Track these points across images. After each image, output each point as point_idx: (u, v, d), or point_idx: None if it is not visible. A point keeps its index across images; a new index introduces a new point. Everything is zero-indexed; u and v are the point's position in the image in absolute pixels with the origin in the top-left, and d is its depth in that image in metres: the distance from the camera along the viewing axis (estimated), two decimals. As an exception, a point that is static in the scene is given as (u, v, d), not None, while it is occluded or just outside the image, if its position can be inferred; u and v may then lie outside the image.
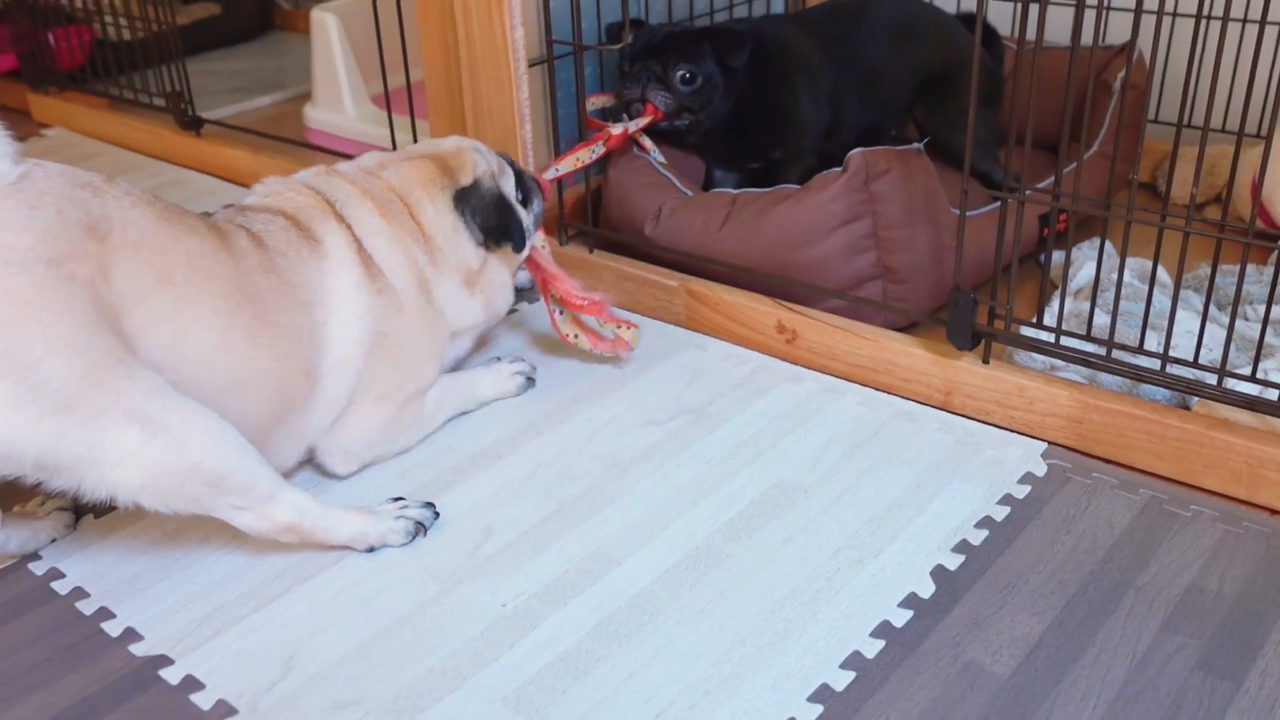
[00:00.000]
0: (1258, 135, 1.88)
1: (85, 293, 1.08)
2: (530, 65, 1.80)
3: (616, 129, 1.80)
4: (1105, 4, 1.31)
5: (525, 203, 1.56)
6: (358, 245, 1.36)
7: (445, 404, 1.50)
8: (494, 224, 1.47)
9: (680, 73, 1.83)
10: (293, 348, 1.28)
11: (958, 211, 1.70)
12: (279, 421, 1.29)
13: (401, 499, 1.33)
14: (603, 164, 1.86)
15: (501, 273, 1.53)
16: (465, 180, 1.47)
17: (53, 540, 1.32)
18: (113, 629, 1.19)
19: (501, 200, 1.49)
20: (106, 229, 1.12)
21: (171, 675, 1.12)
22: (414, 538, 1.29)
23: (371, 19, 2.42)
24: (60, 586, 1.25)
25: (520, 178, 1.57)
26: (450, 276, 1.45)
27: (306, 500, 1.24)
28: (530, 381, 1.59)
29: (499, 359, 1.61)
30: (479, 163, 1.50)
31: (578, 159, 1.77)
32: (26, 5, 2.76)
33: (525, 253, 1.56)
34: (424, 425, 1.47)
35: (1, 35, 2.87)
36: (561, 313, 1.61)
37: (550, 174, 1.73)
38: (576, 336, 1.61)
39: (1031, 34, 1.30)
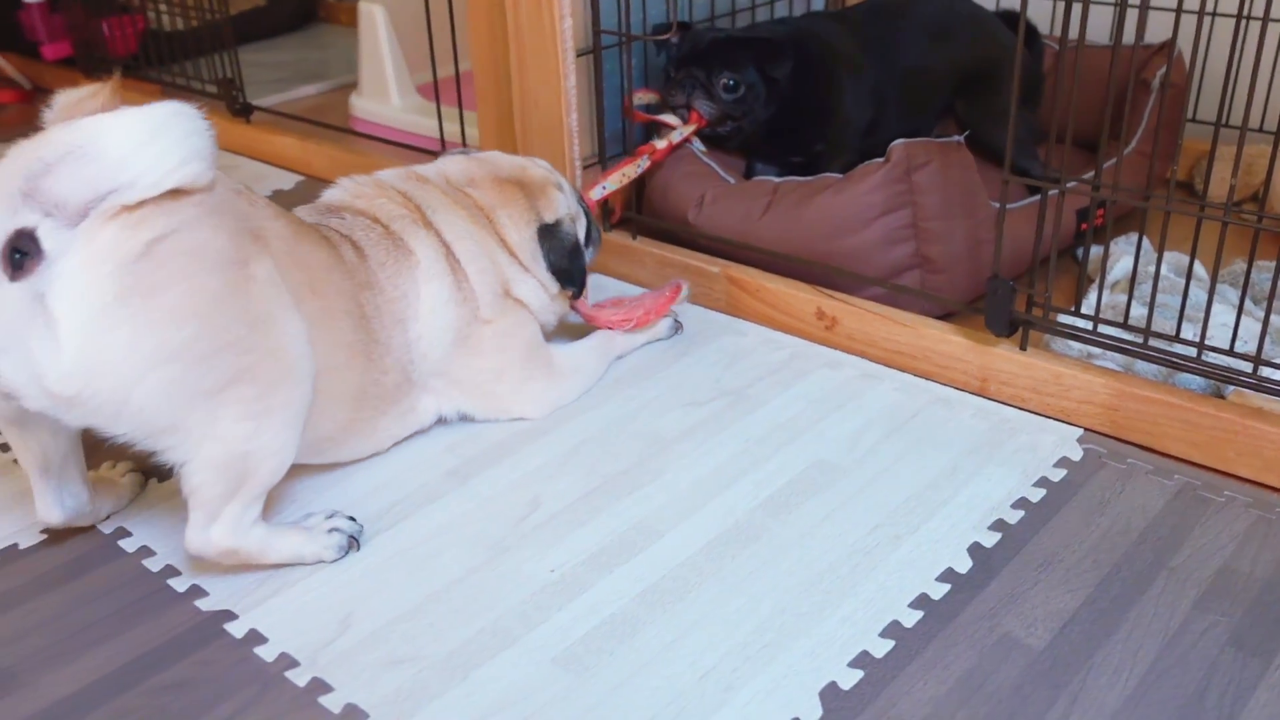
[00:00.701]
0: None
1: (268, 288, 1.14)
2: (577, 56, 1.84)
3: (661, 143, 1.84)
4: (1146, 3, 1.33)
5: (587, 243, 1.62)
6: (446, 251, 1.41)
7: (598, 351, 1.60)
8: (565, 267, 1.54)
9: (724, 81, 1.87)
10: (393, 361, 1.36)
11: (996, 205, 1.73)
12: (377, 417, 1.38)
13: (335, 513, 1.30)
14: (646, 153, 1.90)
15: (562, 305, 1.61)
16: (549, 217, 1.53)
17: (128, 502, 1.37)
18: (179, 585, 1.24)
19: (577, 247, 1.55)
20: (264, 236, 1.18)
21: (236, 629, 1.17)
22: (346, 552, 1.27)
23: (415, 11, 2.48)
24: (128, 545, 1.30)
25: (589, 219, 1.63)
26: (529, 279, 1.51)
27: (261, 529, 1.22)
28: (678, 325, 1.70)
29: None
30: (561, 202, 1.56)
31: (624, 175, 1.81)
32: (81, -6, 2.83)
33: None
34: (572, 374, 1.55)
35: (57, 23, 2.94)
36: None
37: (597, 192, 1.77)
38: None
39: (1073, 32, 1.33)
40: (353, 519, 1.30)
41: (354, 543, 1.29)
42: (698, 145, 1.93)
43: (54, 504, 1.25)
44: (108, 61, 2.88)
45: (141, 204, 1.02)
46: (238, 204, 1.17)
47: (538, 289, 1.52)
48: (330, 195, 1.47)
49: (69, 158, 1.00)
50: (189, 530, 1.18)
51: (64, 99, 1.12)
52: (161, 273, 1.05)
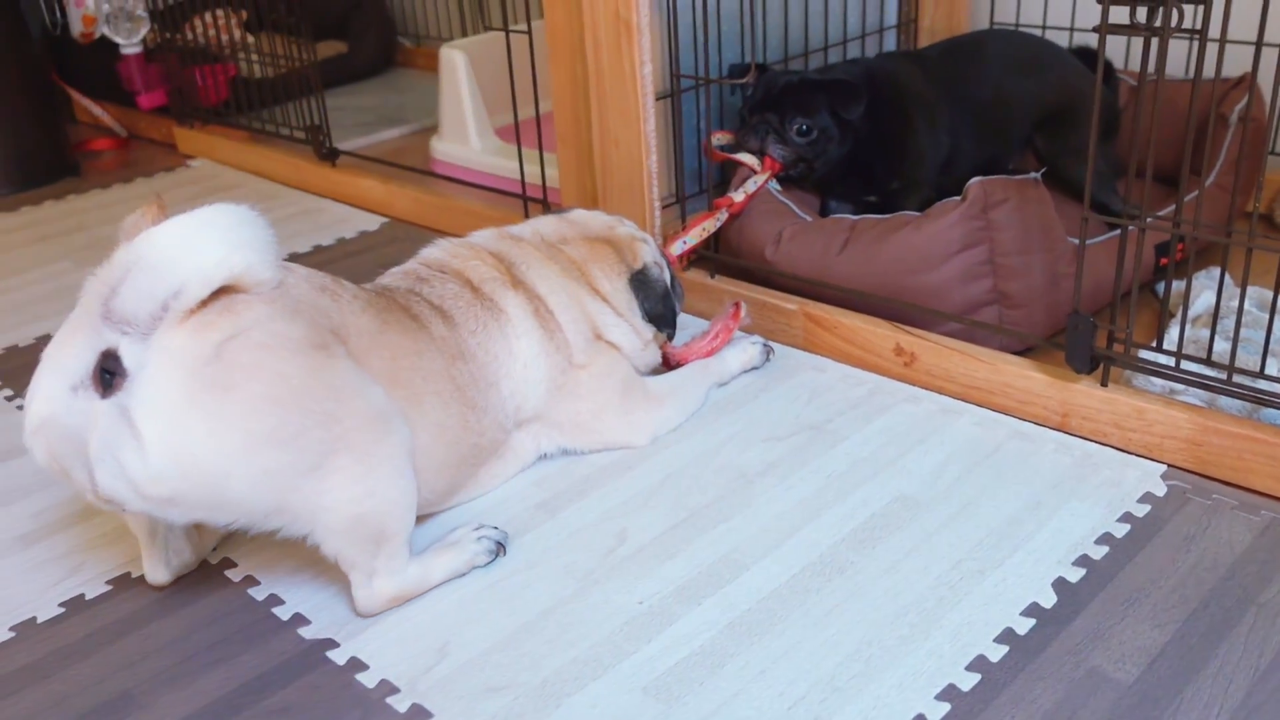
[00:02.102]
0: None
1: (348, 366, 1.19)
2: (656, 99, 1.89)
3: (738, 196, 1.87)
4: (1224, 37, 1.34)
5: (672, 291, 1.67)
6: (536, 308, 1.46)
7: (695, 378, 1.65)
8: (659, 312, 1.59)
9: (797, 126, 1.91)
10: (490, 421, 1.41)
11: (1074, 240, 1.74)
12: (475, 470, 1.43)
13: (480, 525, 1.38)
14: (721, 190, 1.94)
15: (654, 354, 1.66)
16: (637, 265, 1.59)
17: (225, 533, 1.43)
18: (282, 614, 1.29)
19: (667, 291, 1.61)
20: (345, 333, 1.23)
21: (338, 656, 1.21)
22: (495, 556, 1.34)
23: (494, 55, 2.56)
24: (233, 575, 1.36)
25: (673, 274, 1.68)
26: (622, 324, 1.56)
27: (415, 566, 1.29)
28: (769, 349, 1.75)
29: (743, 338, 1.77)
30: (647, 253, 1.61)
31: (703, 229, 1.85)
32: (175, 46, 2.95)
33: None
34: (672, 400, 1.60)
35: (153, 73, 3.07)
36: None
37: (678, 247, 1.82)
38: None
39: (1152, 67, 1.35)
40: (496, 527, 1.37)
41: (501, 548, 1.35)
42: (773, 184, 1.96)
43: (161, 565, 1.33)
44: (199, 109, 3.00)
45: (206, 307, 1.08)
46: (319, 301, 1.21)
47: (630, 334, 1.57)
48: (428, 254, 1.52)
49: (127, 275, 1.06)
50: (355, 593, 1.25)
51: (128, 222, 1.18)
52: (235, 371, 1.09)
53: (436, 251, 1.52)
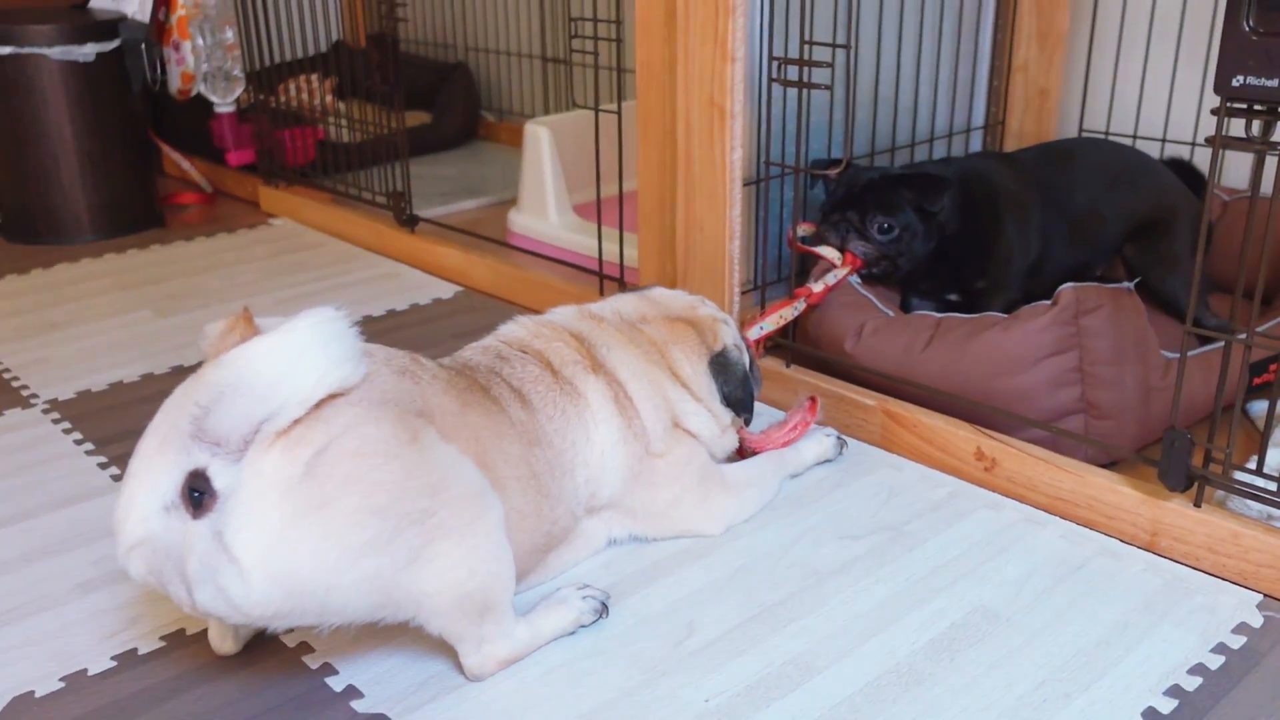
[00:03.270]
0: None
1: (438, 451, 1.16)
2: (743, 185, 1.89)
3: (818, 287, 1.85)
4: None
5: (751, 375, 1.64)
6: (615, 394, 1.43)
7: (770, 466, 1.62)
8: (739, 396, 1.56)
9: (878, 224, 1.89)
10: (563, 510, 1.38)
11: (1166, 354, 1.69)
12: (545, 556, 1.39)
13: (584, 585, 1.37)
14: (801, 280, 1.92)
15: (731, 439, 1.61)
16: (718, 346, 1.56)
17: None
18: (336, 684, 1.25)
19: (746, 376, 1.58)
20: (430, 413, 1.20)
21: (386, 731, 1.18)
22: (599, 615, 1.35)
23: (578, 134, 2.59)
24: (288, 640, 1.33)
25: (751, 358, 1.65)
26: (701, 411, 1.52)
27: (520, 627, 1.28)
28: (843, 442, 1.72)
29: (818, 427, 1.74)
30: (728, 335, 1.59)
31: (781, 316, 1.83)
32: (267, 107, 3.02)
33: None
34: (747, 490, 1.57)
35: (244, 132, 3.14)
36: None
37: (755, 332, 1.80)
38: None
39: (1266, 184, 1.31)
40: (597, 589, 1.37)
41: (605, 608, 1.35)
42: (854, 278, 1.94)
43: (229, 637, 1.30)
44: (285, 169, 3.06)
45: (296, 423, 1.06)
46: (401, 386, 1.18)
47: (709, 421, 1.53)
48: (508, 331, 1.49)
49: (222, 397, 1.04)
50: (465, 661, 1.24)
51: (212, 329, 1.16)
52: (330, 486, 1.06)
53: (517, 329, 1.50)
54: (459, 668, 1.26)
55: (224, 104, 3.10)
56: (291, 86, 3.07)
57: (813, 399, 1.73)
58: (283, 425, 1.05)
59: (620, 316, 1.56)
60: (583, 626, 1.33)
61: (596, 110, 2.11)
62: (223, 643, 1.30)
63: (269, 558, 1.05)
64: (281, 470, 1.05)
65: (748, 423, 1.62)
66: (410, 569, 1.12)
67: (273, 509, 1.05)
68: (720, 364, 1.55)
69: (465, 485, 1.17)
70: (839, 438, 1.72)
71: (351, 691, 1.24)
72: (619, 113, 2.06)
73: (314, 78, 3.08)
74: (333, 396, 1.08)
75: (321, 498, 1.06)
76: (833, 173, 1.92)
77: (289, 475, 1.05)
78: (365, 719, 1.20)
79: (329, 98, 3.14)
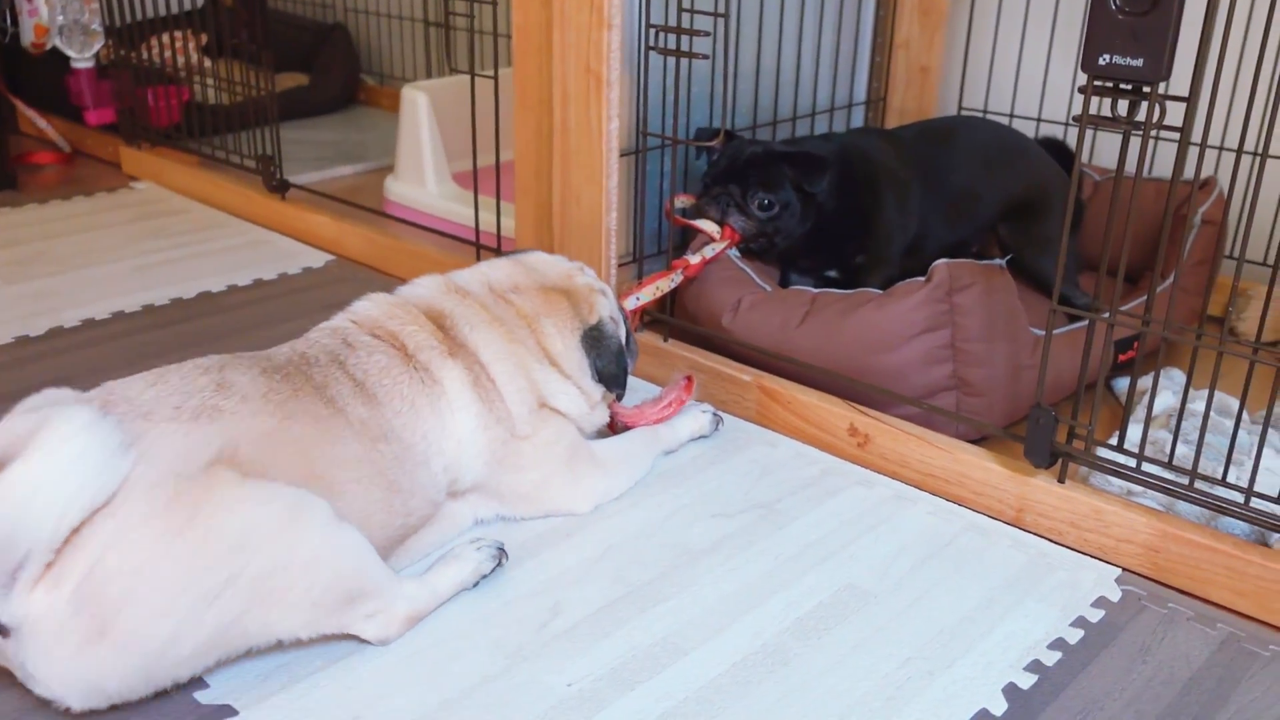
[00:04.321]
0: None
1: (226, 513, 1.10)
2: (621, 155, 1.85)
3: (694, 259, 1.83)
4: (1205, 143, 1.33)
5: (626, 349, 1.60)
6: (476, 378, 1.38)
7: (643, 443, 1.59)
8: (613, 371, 1.51)
9: (758, 200, 1.87)
10: (419, 500, 1.32)
11: (1036, 331, 1.71)
12: (406, 539, 1.35)
13: (476, 538, 1.37)
14: (680, 252, 1.89)
15: (601, 415, 1.57)
16: (592, 319, 1.51)
17: None
18: (180, 675, 1.19)
19: (621, 350, 1.53)
20: (233, 449, 1.13)
21: (237, 727, 1.12)
22: (500, 561, 1.34)
23: (458, 100, 2.51)
24: (130, 628, 1.26)
25: (628, 330, 1.61)
26: (570, 389, 1.48)
27: (413, 586, 1.27)
28: (719, 418, 1.69)
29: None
30: (604, 307, 1.54)
31: (657, 288, 1.80)
32: (129, 64, 2.87)
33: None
34: (618, 467, 1.54)
35: (103, 90, 2.98)
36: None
37: (631, 302, 1.76)
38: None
39: (1129, 165, 1.32)
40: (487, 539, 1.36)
41: (503, 553, 1.34)
42: (733, 251, 1.92)
43: None
44: (148, 130, 2.91)
45: (61, 549, 1.02)
46: (186, 444, 1.10)
47: (578, 398, 1.48)
48: (361, 310, 1.41)
49: None
50: (367, 638, 1.22)
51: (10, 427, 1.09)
52: (102, 611, 1.03)
53: (371, 309, 1.41)
54: (308, 655, 1.21)
55: (81, 59, 2.93)
56: (156, 43, 2.91)
57: (689, 376, 1.70)
58: (38, 569, 1.01)
59: (489, 286, 1.50)
60: (483, 576, 1.33)
61: (473, 76, 2.05)
62: None
63: (70, 686, 1.06)
64: (48, 613, 1.02)
65: (620, 398, 1.58)
66: (247, 617, 1.10)
67: (53, 648, 1.03)
68: (594, 338, 1.50)
69: (273, 519, 1.10)
70: (715, 414, 1.70)
71: (195, 682, 1.17)
72: (495, 78, 2.00)
73: (180, 34, 2.94)
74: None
75: (98, 627, 1.03)
76: (711, 144, 1.89)
77: (57, 616, 1.02)
78: (211, 710, 1.14)
79: (196, 56, 2.99)
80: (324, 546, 1.14)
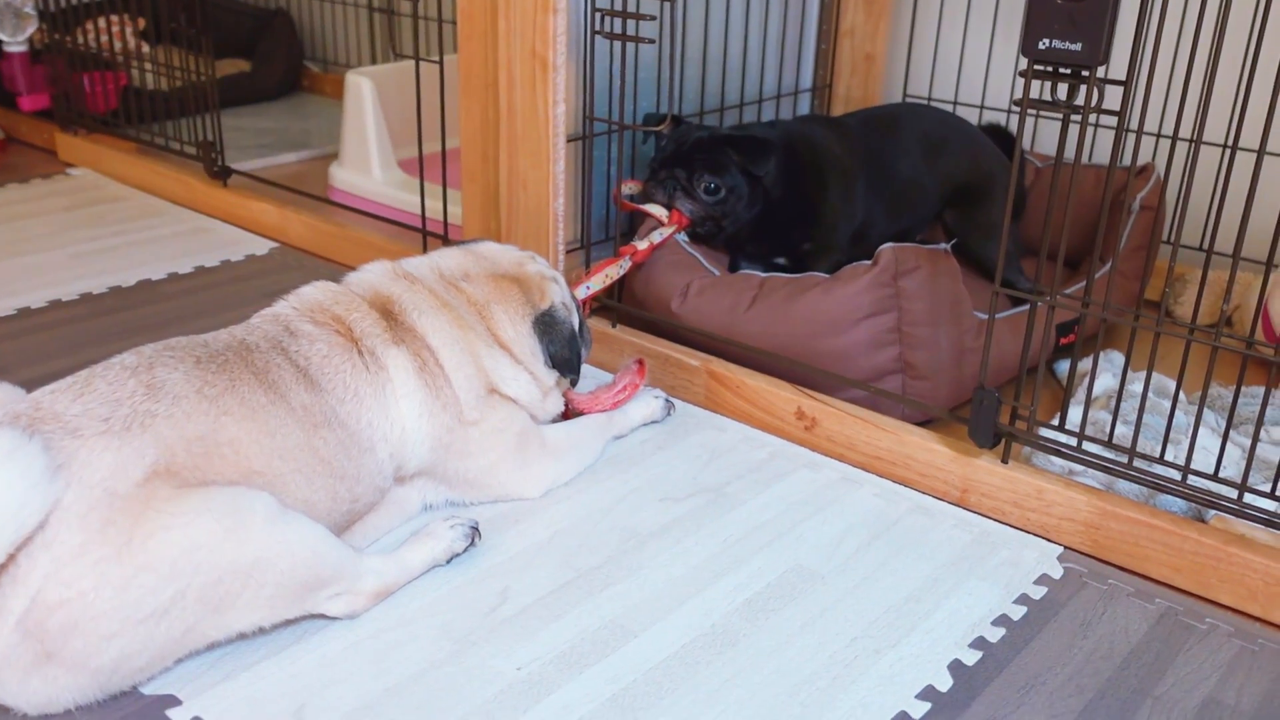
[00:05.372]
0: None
1: (164, 534, 1.08)
2: (568, 140, 1.84)
3: (642, 244, 1.83)
4: (1142, 129, 1.35)
5: (580, 336, 1.59)
6: (420, 364, 1.36)
7: (594, 429, 1.59)
8: (565, 356, 1.51)
9: (705, 184, 1.87)
10: (365, 487, 1.31)
11: (980, 315, 1.73)
12: (354, 524, 1.34)
13: (449, 515, 1.39)
14: (627, 238, 1.89)
15: (554, 402, 1.57)
16: (544, 305, 1.50)
17: None
18: (121, 666, 1.17)
19: (573, 334, 1.53)
20: (170, 456, 1.11)
21: (179, 715, 1.10)
22: (472, 540, 1.35)
23: (401, 85, 2.49)
24: (69, 619, 1.23)
25: (581, 318, 1.61)
26: (521, 373, 1.47)
27: (380, 561, 1.28)
28: (670, 404, 1.71)
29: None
30: (556, 294, 1.53)
31: (606, 275, 1.79)
32: (64, 48, 2.81)
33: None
34: (568, 453, 1.53)
35: (37, 75, 2.91)
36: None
37: (582, 291, 1.76)
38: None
39: (1064, 151, 1.34)
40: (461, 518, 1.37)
41: (476, 532, 1.35)
42: (681, 236, 1.92)
43: None
44: (84, 116, 2.85)
45: None
46: (119, 459, 1.08)
47: (530, 384, 1.48)
48: (306, 296, 1.39)
49: None
50: (336, 615, 1.23)
51: None
52: (46, 641, 1.03)
53: (316, 294, 1.39)
54: (251, 644, 1.19)
55: (14, 43, 2.86)
56: (92, 27, 2.85)
57: (640, 361, 1.70)
58: None
59: (439, 274, 1.48)
60: (456, 555, 1.34)
61: (417, 61, 2.03)
62: None
63: (25, 701, 1.06)
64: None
65: (574, 384, 1.58)
66: (202, 624, 1.10)
67: (3, 672, 1.04)
68: (545, 323, 1.49)
69: (213, 529, 1.08)
70: (667, 400, 1.70)
71: (137, 673, 1.16)
72: (440, 63, 1.98)
73: (118, 18, 2.88)
74: (26, 544, 1.02)
75: (45, 652, 1.03)
76: (658, 129, 1.88)
77: (2, 646, 1.02)
78: (151, 701, 1.12)
79: (134, 41, 2.93)
80: (271, 544, 1.12)
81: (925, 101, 2.40)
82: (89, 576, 1.03)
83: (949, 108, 2.33)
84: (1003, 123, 2.29)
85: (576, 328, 1.55)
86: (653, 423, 1.68)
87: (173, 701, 1.12)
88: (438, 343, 1.38)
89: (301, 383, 1.26)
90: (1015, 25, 2.29)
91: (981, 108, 2.35)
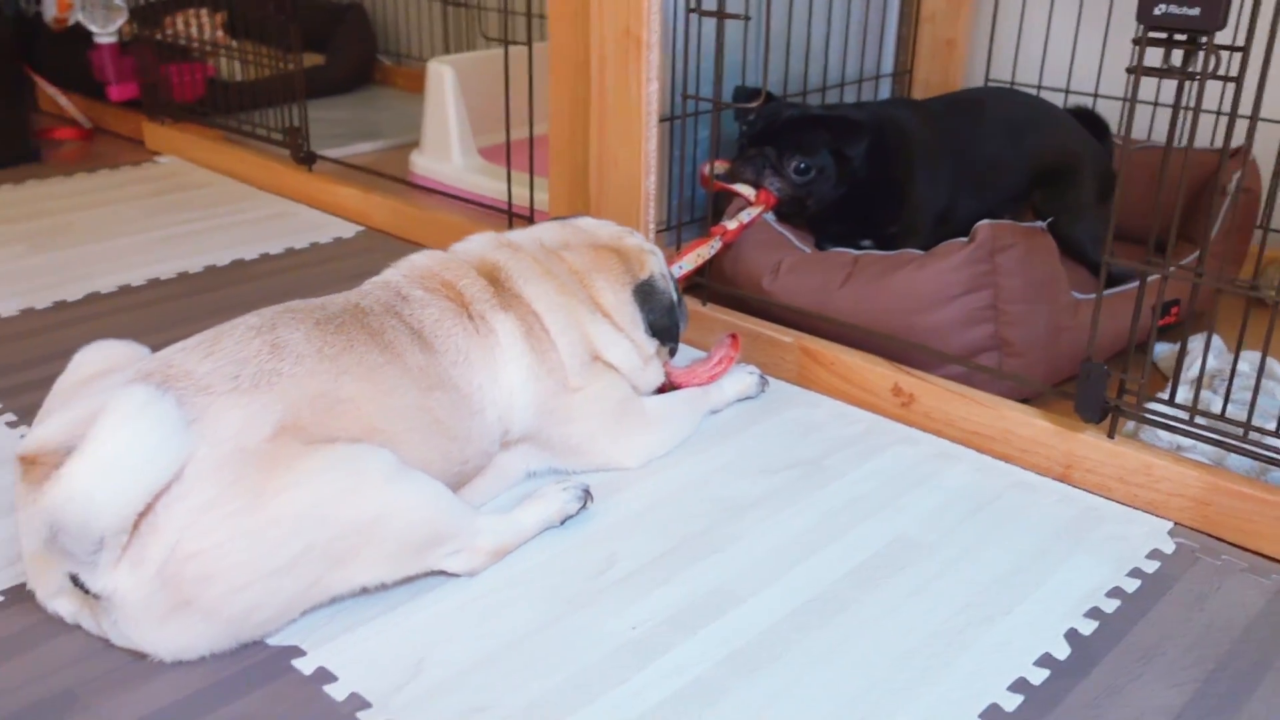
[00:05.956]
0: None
1: (291, 490, 1.10)
2: (660, 121, 1.84)
3: (731, 224, 1.82)
4: (1235, 112, 1.32)
5: (678, 308, 1.60)
6: (527, 329, 1.37)
7: (691, 403, 1.59)
8: (665, 324, 1.52)
9: (795, 164, 1.87)
10: (474, 449, 1.33)
11: (1077, 295, 1.71)
12: (459, 489, 1.34)
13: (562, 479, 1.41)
14: (716, 218, 1.89)
15: (655, 374, 1.57)
16: (643, 274, 1.51)
17: None
18: (241, 619, 1.19)
19: (673, 306, 1.54)
20: (295, 414, 1.13)
21: (304, 665, 1.12)
22: (585, 503, 1.37)
23: (483, 75, 2.51)
24: (188, 574, 1.26)
25: (678, 291, 1.61)
26: (622, 340, 1.48)
27: (495, 520, 1.29)
28: (764, 380, 1.70)
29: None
30: (655, 265, 1.54)
31: (698, 255, 1.80)
32: (152, 40, 2.86)
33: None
34: (666, 424, 1.54)
35: (126, 66, 2.97)
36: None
37: (674, 271, 1.76)
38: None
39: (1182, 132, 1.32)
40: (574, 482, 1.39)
41: (588, 495, 1.37)
42: (769, 215, 1.92)
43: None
44: (171, 105, 2.91)
45: (133, 538, 1.04)
46: (246, 415, 1.10)
47: (631, 352, 1.49)
48: (416, 263, 1.41)
49: (56, 533, 1.02)
50: (454, 572, 1.25)
51: (78, 363, 1.21)
52: (185, 588, 1.05)
53: (425, 261, 1.41)
54: (367, 600, 1.21)
55: (104, 34, 2.93)
56: (179, 20, 2.91)
57: (734, 335, 1.71)
58: (116, 551, 1.03)
59: (541, 244, 1.50)
60: (569, 517, 1.35)
61: (506, 43, 2.05)
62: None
63: (162, 647, 1.09)
64: (134, 589, 1.05)
65: (673, 353, 1.58)
66: (327, 577, 1.13)
67: (142, 618, 1.07)
68: (645, 292, 1.50)
69: (339, 484, 1.11)
70: (761, 376, 1.70)
71: (257, 626, 1.18)
72: (530, 44, 2.00)
73: (203, 12, 2.93)
74: (165, 493, 1.04)
75: (182, 599, 1.06)
76: (752, 105, 1.88)
77: (143, 592, 1.05)
78: (277, 652, 1.14)
79: (219, 33, 2.99)
80: (393, 500, 1.14)
81: (1008, 86, 2.38)
82: (222, 529, 1.05)
83: (1032, 92, 2.31)
84: (1089, 106, 2.26)
85: (675, 299, 1.56)
86: (747, 398, 1.68)
87: (297, 652, 1.14)
88: (543, 308, 1.39)
89: (416, 344, 1.28)
90: (1100, 7, 2.27)
91: (1067, 91, 2.33)
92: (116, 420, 1.01)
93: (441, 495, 1.20)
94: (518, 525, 1.31)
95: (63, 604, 1.12)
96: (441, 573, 1.24)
